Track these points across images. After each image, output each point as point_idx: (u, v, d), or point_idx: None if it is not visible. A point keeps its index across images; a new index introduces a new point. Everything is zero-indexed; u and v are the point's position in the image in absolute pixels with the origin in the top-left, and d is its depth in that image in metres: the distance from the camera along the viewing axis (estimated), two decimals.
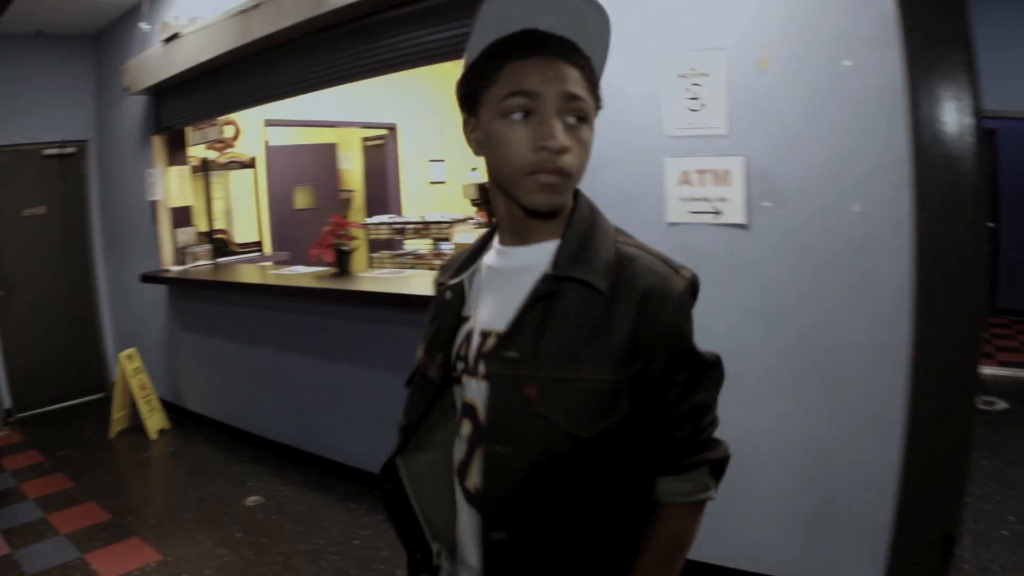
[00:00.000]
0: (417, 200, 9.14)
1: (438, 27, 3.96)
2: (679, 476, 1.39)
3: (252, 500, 5.08)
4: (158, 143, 6.79)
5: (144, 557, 4.44)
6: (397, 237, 7.56)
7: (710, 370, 1.40)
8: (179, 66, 5.72)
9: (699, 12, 3.04)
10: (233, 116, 7.13)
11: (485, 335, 1.39)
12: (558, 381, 1.29)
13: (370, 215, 8.59)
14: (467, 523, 1.45)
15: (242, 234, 7.84)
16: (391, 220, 7.42)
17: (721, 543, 3.28)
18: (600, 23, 1.35)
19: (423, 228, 7.18)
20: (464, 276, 1.48)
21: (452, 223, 7.03)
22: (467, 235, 6.53)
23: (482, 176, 8.27)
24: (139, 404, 6.70)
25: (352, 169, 9.65)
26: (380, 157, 9.32)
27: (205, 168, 7.45)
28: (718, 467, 1.41)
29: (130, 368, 6.66)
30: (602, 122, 3.17)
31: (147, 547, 4.57)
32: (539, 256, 1.37)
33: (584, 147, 1.32)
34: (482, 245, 1.51)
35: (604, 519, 1.34)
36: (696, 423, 1.38)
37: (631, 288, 1.31)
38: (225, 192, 7.75)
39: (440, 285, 1.55)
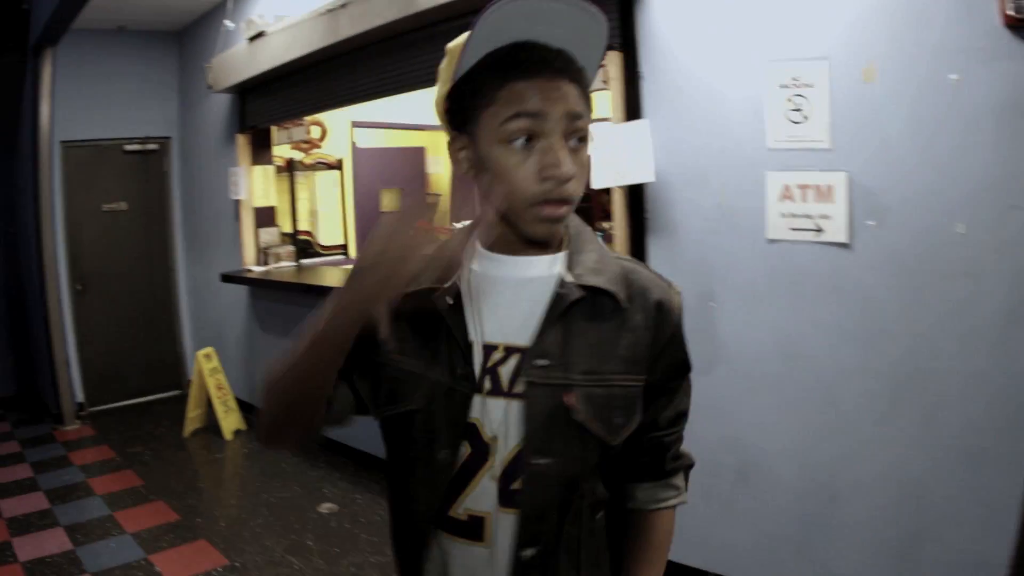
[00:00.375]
0: None
1: None
2: (662, 482, 1.48)
3: (326, 507, 5.10)
4: (242, 142, 6.87)
5: (210, 561, 4.49)
6: None
7: (689, 375, 1.47)
8: (264, 65, 5.79)
9: (801, 19, 2.95)
10: (320, 117, 7.16)
11: (508, 350, 1.32)
12: (592, 387, 1.30)
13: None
14: (460, 557, 1.35)
15: (327, 236, 7.90)
16: None
17: (805, 572, 3.19)
18: (598, 33, 1.31)
19: None
20: (455, 280, 1.35)
21: None
22: None
23: None
24: (215, 404, 6.82)
25: (440, 174, 9.68)
26: None
27: (290, 168, 7.53)
28: (689, 471, 1.53)
29: (207, 367, 6.77)
30: (702, 132, 3.14)
31: (214, 551, 4.61)
32: (545, 267, 1.34)
33: (586, 170, 1.29)
34: (460, 247, 1.36)
35: (601, 529, 1.40)
36: (678, 429, 1.47)
37: (645, 299, 1.35)
38: (310, 193, 7.83)
39: (422, 292, 1.37)
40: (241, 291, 7.21)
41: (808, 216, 2.95)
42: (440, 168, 9.46)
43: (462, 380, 1.31)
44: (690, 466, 1.52)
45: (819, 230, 2.93)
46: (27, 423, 7.80)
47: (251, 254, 6.98)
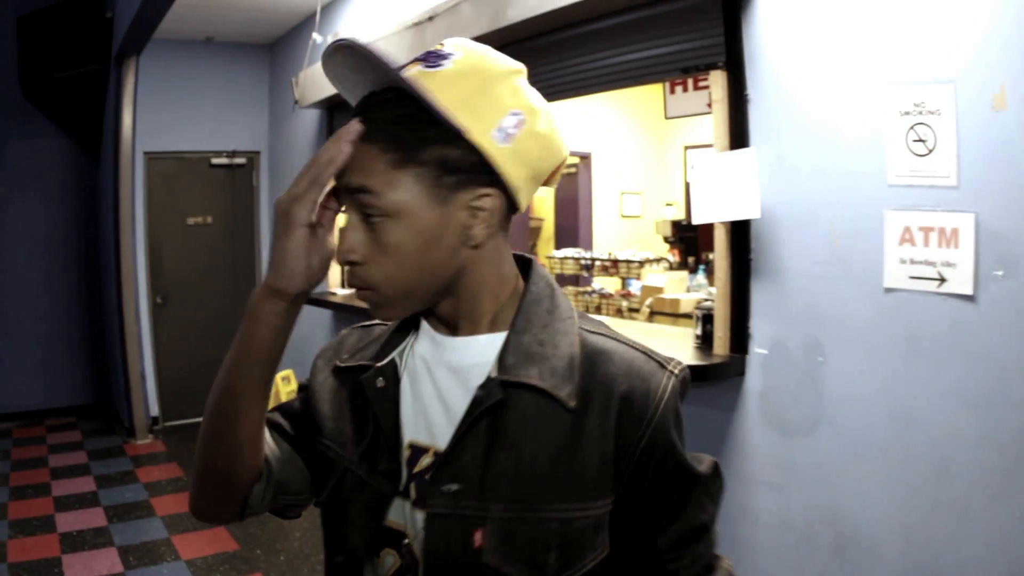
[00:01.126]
0: (608, 233, 8.98)
1: (633, 46, 3.78)
2: None
3: None
4: None
5: None
6: (584, 274, 7.44)
7: (709, 483, 1.20)
8: None
9: (924, 37, 2.73)
10: None
11: (417, 450, 1.18)
12: (513, 521, 1.09)
13: (559, 246, 8.55)
14: None
15: None
16: (578, 255, 7.31)
17: None
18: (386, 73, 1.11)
19: (611, 266, 7.04)
20: (395, 356, 1.24)
21: (643, 263, 6.86)
22: (658, 276, 6.34)
23: (678, 212, 8.08)
24: None
25: (543, 196, 9.61)
26: (572, 186, 9.24)
27: None
28: None
29: (285, 390, 6.81)
30: (813, 163, 2.95)
31: None
32: (479, 351, 1.18)
33: (386, 250, 1.11)
34: (408, 323, 1.29)
35: None
36: (694, 550, 1.19)
37: (606, 395, 1.13)
38: None
39: (356, 368, 1.28)
40: (324, 314, 7.24)
41: (930, 263, 2.73)
42: (542, 192, 9.39)
43: (380, 476, 1.18)
44: None
45: (942, 279, 2.71)
46: (99, 434, 8.03)
47: (335, 276, 6.97)
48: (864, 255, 2.95)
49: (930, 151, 2.70)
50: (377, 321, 1.35)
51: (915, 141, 2.73)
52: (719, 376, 3.34)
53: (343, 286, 6.93)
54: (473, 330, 1.19)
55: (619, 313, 6.04)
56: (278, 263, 1.09)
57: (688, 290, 6.06)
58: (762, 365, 3.29)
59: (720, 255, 3.39)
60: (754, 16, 3.24)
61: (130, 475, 6.74)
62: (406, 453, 1.18)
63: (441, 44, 1.17)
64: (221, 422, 1.18)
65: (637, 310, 5.92)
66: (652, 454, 1.13)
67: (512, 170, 1.11)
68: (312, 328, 7.52)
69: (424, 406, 1.19)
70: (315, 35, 6.46)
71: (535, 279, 1.23)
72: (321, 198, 1.10)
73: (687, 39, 3.45)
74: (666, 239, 7.75)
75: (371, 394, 1.21)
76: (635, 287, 6.57)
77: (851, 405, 3.01)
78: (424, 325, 1.25)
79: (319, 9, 6.63)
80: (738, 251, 3.35)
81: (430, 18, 4.72)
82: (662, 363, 1.17)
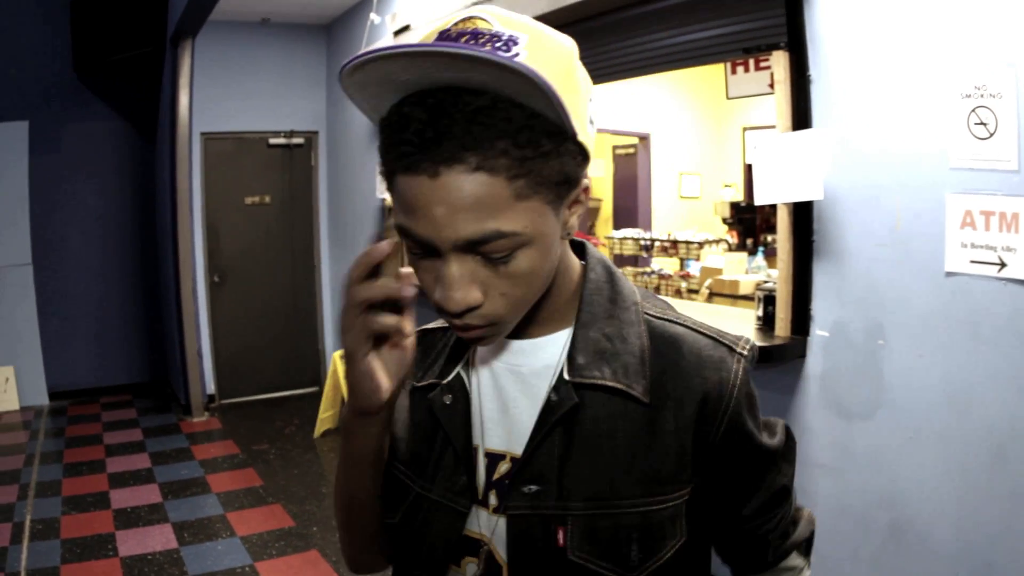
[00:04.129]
0: (667, 214, 9.01)
1: (694, 26, 3.82)
2: (769, 572, 1.29)
3: None
4: None
5: (319, 574, 4.54)
6: (643, 254, 7.47)
7: (784, 450, 1.26)
8: None
9: (985, 18, 2.76)
10: None
11: (494, 457, 1.18)
12: (594, 517, 1.11)
13: (617, 227, 8.56)
14: None
15: None
16: (638, 235, 7.35)
17: None
18: (523, 82, 0.93)
19: (670, 246, 7.07)
20: (459, 370, 1.22)
21: (702, 244, 6.89)
22: (717, 257, 6.37)
23: (738, 194, 8.09)
24: None
25: (602, 177, 9.64)
26: (631, 167, 9.27)
27: None
28: (808, 544, 1.33)
29: (343, 369, 6.85)
30: (875, 145, 2.99)
31: (324, 563, 4.68)
32: (549, 353, 1.17)
33: (517, 280, 1.02)
34: None
35: None
36: (777, 512, 1.26)
37: (680, 388, 1.14)
38: None
39: (424, 387, 1.26)
40: None
41: (990, 247, 2.77)
42: (600, 172, 9.42)
43: (455, 496, 1.19)
44: (805, 539, 1.32)
45: (1002, 264, 2.74)
46: (154, 412, 8.22)
47: None
48: (925, 238, 2.98)
49: (991, 134, 2.73)
50: (435, 324, 1.33)
51: (976, 124, 2.76)
52: (780, 358, 3.38)
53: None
54: (541, 330, 1.17)
55: (678, 294, 6.08)
56: (354, 389, 1.09)
57: (747, 272, 6.09)
58: (823, 347, 3.34)
59: (783, 237, 3.43)
60: None
61: (185, 452, 6.91)
62: (483, 462, 1.19)
63: (475, 19, 1.04)
64: (353, 516, 1.29)
65: (696, 291, 5.96)
66: (730, 442, 1.15)
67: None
68: None
69: (496, 413, 1.19)
70: (373, 15, 6.54)
71: (592, 264, 1.21)
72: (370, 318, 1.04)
73: (749, 19, 3.49)
74: (724, 220, 7.76)
75: (440, 414, 1.20)
76: (694, 268, 6.60)
77: (910, 389, 3.05)
78: None
79: None
80: (800, 233, 3.39)
81: None
82: (730, 345, 1.17)
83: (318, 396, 7.88)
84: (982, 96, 2.74)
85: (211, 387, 8.34)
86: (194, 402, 7.89)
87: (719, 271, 6.03)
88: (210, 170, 8.21)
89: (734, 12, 3.54)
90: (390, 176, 1.02)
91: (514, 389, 1.18)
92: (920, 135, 2.97)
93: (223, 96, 8.12)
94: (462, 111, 0.93)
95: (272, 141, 8.43)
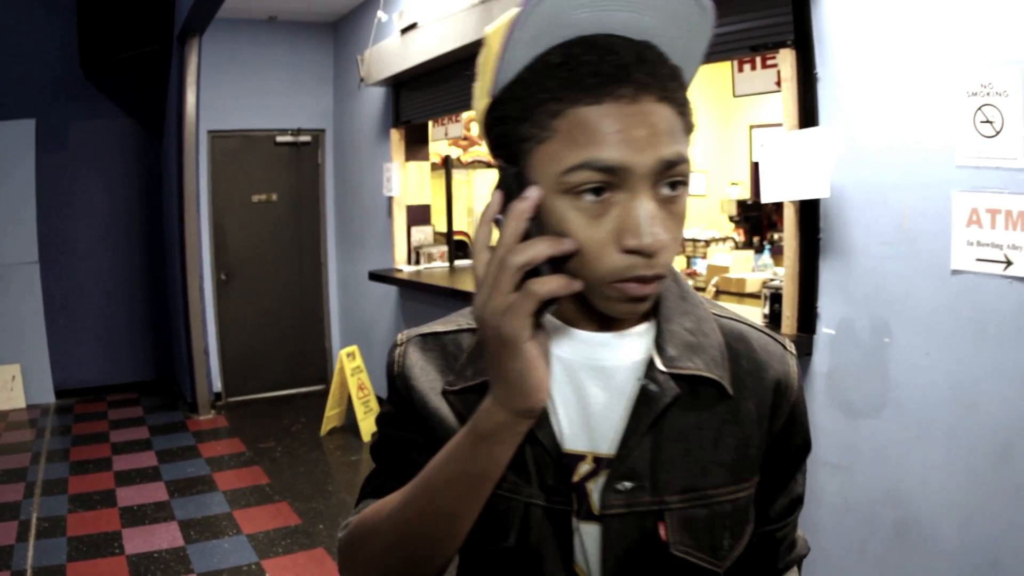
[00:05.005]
0: None
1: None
2: None
3: None
4: (396, 137, 7.08)
5: (325, 572, 4.57)
6: None
7: (807, 457, 1.28)
8: (417, 57, 5.92)
9: (991, 15, 2.77)
10: None
11: (572, 459, 1.10)
12: (691, 509, 1.09)
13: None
14: None
15: None
16: None
17: None
18: (700, 14, 1.01)
19: None
20: None
21: (708, 242, 6.91)
22: (724, 256, 6.39)
23: (744, 191, 8.10)
24: (355, 404, 7.04)
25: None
26: None
27: (447, 166, 7.68)
28: (802, 563, 1.33)
29: (349, 367, 6.97)
30: (881, 143, 2.99)
31: (330, 561, 4.71)
32: (632, 347, 1.11)
33: (682, 223, 1.01)
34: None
35: None
36: (791, 519, 1.28)
37: (757, 379, 1.14)
38: (468, 192, 7.91)
39: (475, 387, 1.12)
40: (390, 290, 7.42)
41: (996, 245, 2.78)
42: None
43: (557, 497, 1.10)
44: (803, 556, 1.32)
45: (1008, 262, 2.76)
46: (161, 410, 8.25)
47: (402, 253, 7.18)
48: (931, 236, 3.00)
49: (997, 132, 2.75)
50: (438, 327, 1.24)
51: (982, 122, 2.78)
52: None
53: (409, 263, 7.06)
54: (621, 324, 1.11)
55: None
56: (518, 385, 0.97)
57: (753, 270, 6.12)
58: (829, 345, 3.36)
59: (789, 234, 3.45)
60: None
61: (192, 450, 6.93)
62: (563, 463, 1.10)
63: None
64: (424, 548, 1.11)
65: (703, 289, 5.99)
66: (787, 433, 1.19)
67: None
68: (377, 305, 7.68)
69: (574, 411, 1.11)
70: (380, 13, 6.57)
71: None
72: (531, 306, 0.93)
73: (756, 17, 3.50)
74: (731, 218, 7.77)
75: None
76: (701, 266, 6.64)
77: (916, 387, 3.07)
78: (553, 322, 1.12)
79: None
80: (807, 230, 3.42)
81: None
82: (782, 343, 1.20)
83: (325, 394, 7.90)
84: (988, 94, 2.76)
85: (218, 385, 8.36)
86: (200, 400, 7.91)
87: (725, 269, 6.06)
88: (217, 168, 8.24)
89: (741, 10, 3.55)
90: (562, 107, 0.96)
91: (594, 385, 1.10)
92: (926, 133, 2.99)
93: (230, 94, 8.15)
94: (635, 51, 0.97)
95: (279, 139, 8.45)
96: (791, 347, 1.21)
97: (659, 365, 1.08)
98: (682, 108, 1.00)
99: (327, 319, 8.94)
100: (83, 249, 8.83)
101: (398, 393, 1.21)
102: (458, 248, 7.52)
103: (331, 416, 7.23)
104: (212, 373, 8.17)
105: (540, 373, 0.97)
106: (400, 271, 6.96)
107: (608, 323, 1.10)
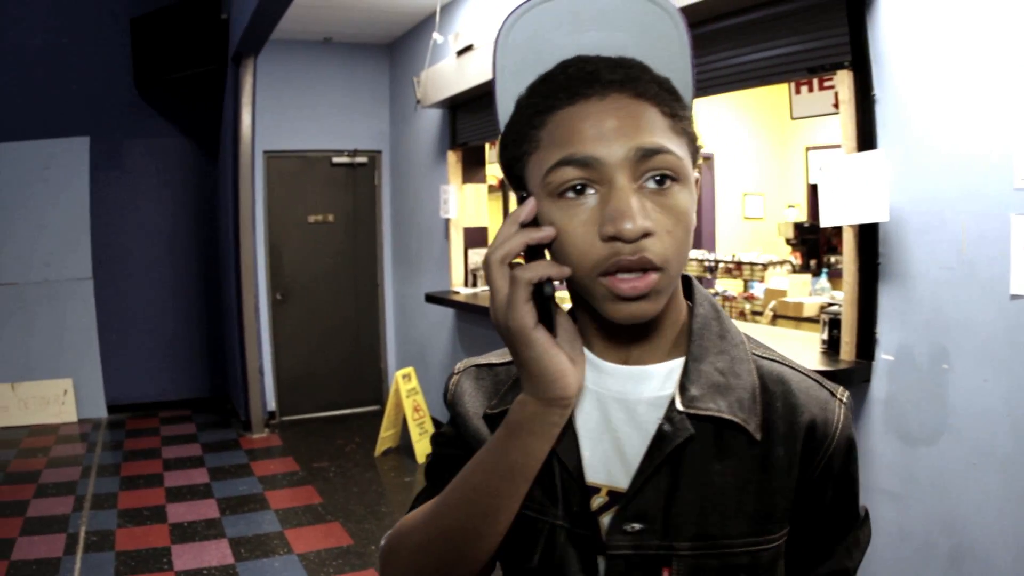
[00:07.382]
0: (730, 235, 9.02)
1: (757, 45, 3.85)
2: None
3: None
4: (453, 159, 7.17)
5: None
6: (707, 276, 7.49)
7: (863, 527, 1.16)
8: (473, 80, 5.98)
9: None
10: None
11: (612, 496, 1.10)
12: (702, 558, 1.06)
13: None
14: None
15: None
16: (702, 257, 7.37)
17: None
18: (670, 25, 1.05)
19: (735, 268, 7.07)
20: None
21: (766, 265, 6.88)
22: (781, 279, 6.36)
23: (801, 214, 8.07)
24: (410, 426, 7.09)
25: None
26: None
27: (504, 188, 7.77)
28: None
29: (405, 388, 7.04)
30: (940, 166, 2.99)
31: None
32: (658, 382, 1.11)
33: (679, 218, 1.00)
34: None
35: None
36: None
37: (790, 425, 1.09)
38: None
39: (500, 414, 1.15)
40: (447, 312, 7.48)
41: None
42: None
43: (579, 523, 1.11)
44: None
45: None
46: (214, 427, 8.35)
47: (459, 275, 7.25)
48: (991, 260, 2.98)
49: None
50: (494, 359, 1.29)
51: None
52: (846, 382, 3.33)
53: (466, 285, 7.11)
54: (651, 357, 1.12)
55: (742, 316, 6.08)
56: (539, 374, 1.01)
57: (810, 293, 6.09)
58: (887, 372, 3.35)
59: (848, 259, 3.45)
60: (878, 14, 3.30)
61: (245, 468, 7.00)
62: (577, 493, 1.11)
63: None
64: (454, 546, 1.13)
65: (760, 313, 5.97)
66: (826, 481, 1.11)
67: None
68: (433, 327, 7.76)
69: (599, 443, 1.12)
70: (436, 35, 6.66)
71: (699, 299, 1.16)
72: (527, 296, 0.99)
73: (812, 38, 3.52)
74: (788, 241, 7.75)
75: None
76: (758, 290, 6.60)
77: (974, 414, 3.05)
78: (586, 354, 1.13)
79: (439, 9, 6.86)
80: (866, 255, 3.41)
81: None
82: (832, 391, 1.13)
83: (379, 415, 7.96)
84: None
85: (272, 404, 8.48)
86: (254, 418, 8.01)
87: (783, 293, 6.03)
88: (273, 188, 8.40)
89: (797, 31, 3.58)
90: (541, 117, 1.03)
91: (621, 419, 1.11)
92: (985, 155, 2.97)
93: (286, 115, 8.31)
94: (609, 61, 1.03)
95: (335, 160, 8.60)
96: (843, 395, 1.13)
97: (677, 404, 1.07)
98: (671, 111, 1.03)
99: (383, 340, 9.03)
100: (138, 266, 9.02)
101: (452, 419, 1.27)
102: None
103: (386, 437, 7.29)
104: (266, 392, 8.29)
105: (558, 360, 1.01)
106: (457, 293, 7.03)
107: (634, 356, 1.12)
